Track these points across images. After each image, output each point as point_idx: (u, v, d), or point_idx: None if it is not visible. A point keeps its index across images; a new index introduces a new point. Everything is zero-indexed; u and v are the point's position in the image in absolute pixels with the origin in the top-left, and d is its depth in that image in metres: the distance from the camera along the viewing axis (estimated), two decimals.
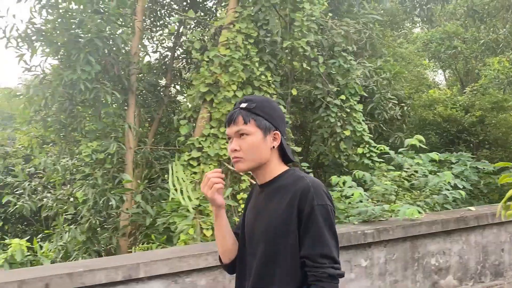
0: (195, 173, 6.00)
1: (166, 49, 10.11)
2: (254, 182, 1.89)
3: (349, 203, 4.70)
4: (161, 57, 10.21)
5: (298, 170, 1.79)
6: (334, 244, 1.63)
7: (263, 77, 6.25)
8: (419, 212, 4.22)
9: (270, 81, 6.38)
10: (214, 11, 9.95)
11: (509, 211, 3.58)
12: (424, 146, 4.85)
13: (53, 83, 6.30)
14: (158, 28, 10.39)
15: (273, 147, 1.73)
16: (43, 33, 6.34)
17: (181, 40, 9.49)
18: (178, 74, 10.36)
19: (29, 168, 9.24)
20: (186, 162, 6.04)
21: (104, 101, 6.48)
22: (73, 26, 6.44)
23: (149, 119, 9.56)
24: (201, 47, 6.56)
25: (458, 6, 14.03)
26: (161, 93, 9.52)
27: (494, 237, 4.77)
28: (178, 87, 10.71)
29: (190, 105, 6.56)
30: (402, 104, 8.76)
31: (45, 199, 7.07)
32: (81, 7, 6.40)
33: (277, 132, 1.74)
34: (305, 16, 6.15)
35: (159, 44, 10.37)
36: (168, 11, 10.44)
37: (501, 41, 12.72)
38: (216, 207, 1.77)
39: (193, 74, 6.44)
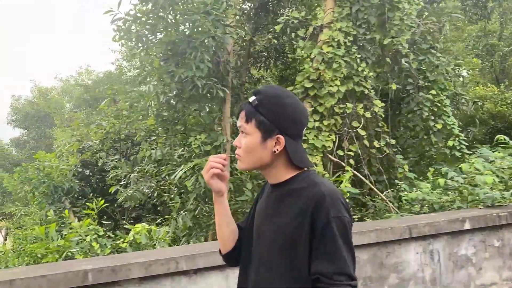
0: None
1: (240, 48, 10.55)
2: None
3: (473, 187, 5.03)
4: (237, 56, 10.65)
5: (314, 174, 1.64)
6: (350, 260, 1.49)
7: (363, 72, 6.61)
8: None
9: (369, 77, 6.74)
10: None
11: None
12: None
13: (165, 80, 6.76)
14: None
15: (275, 151, 1.58)
16: (155, 30, 6.81)
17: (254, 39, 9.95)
18: (248, 71, 10.81)
19: (111, 160, 9.81)
20: None
21: (209, 97, 6.92)
22: (181, 27, 6.91)
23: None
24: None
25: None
26: (237, 89, 9.97)
27: None
28: (247, 84, 11.17)
29: None
30: (476, 100, 9.02)
31: (146, 189, 7.55)
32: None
33: (280, 136, 1.57)
34: (404, 15, 6.50)
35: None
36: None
37: None
38: (214, 192, 1.68)
39: (299, 72, 6.82)
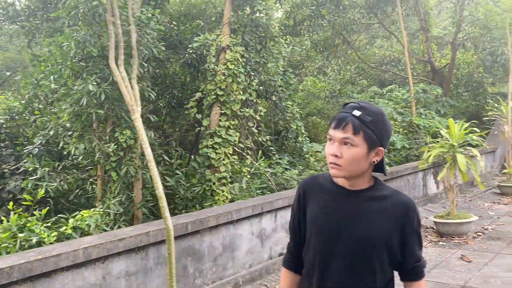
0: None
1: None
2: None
3: None
4: None
5: (385, 183, 1.89)
6: None
7: (255, 86, 8.91)
8: None
9: (255, 89, 9.09)
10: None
11: (422, 165, 7.60)
12: None
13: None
14: None
15: (374, 162, 1.78)
16: None
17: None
18: None
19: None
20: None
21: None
22: None
23: None
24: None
25: None
26: None
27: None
28: None
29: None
30: None
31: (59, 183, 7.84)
32: None
33: (381, 148, 1.76)
34: (281, 46, 9.12)
35: None
36: None
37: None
38: None
39: (207, 82, 8.59)
